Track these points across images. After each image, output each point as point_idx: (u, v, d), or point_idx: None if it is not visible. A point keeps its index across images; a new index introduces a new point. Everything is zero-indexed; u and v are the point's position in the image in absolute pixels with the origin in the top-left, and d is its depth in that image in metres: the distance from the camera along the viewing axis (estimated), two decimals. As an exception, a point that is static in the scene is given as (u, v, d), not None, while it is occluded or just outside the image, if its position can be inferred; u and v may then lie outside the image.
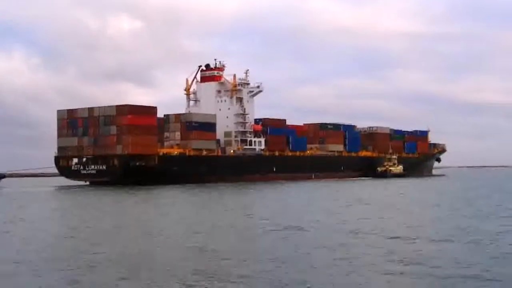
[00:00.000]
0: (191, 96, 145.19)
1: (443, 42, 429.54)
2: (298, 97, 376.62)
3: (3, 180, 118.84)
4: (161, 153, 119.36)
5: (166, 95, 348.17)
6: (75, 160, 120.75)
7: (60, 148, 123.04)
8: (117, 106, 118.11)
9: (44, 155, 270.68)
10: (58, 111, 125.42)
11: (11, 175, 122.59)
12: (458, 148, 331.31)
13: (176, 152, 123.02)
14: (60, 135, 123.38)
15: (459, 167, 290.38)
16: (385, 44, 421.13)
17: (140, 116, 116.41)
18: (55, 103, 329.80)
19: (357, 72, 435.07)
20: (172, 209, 55.36)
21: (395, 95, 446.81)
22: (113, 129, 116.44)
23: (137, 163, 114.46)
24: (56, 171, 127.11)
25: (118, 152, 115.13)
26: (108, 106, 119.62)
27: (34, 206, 63.39)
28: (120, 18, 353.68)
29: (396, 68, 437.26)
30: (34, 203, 68.30)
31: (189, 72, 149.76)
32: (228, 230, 37.02)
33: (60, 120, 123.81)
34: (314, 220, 41.57)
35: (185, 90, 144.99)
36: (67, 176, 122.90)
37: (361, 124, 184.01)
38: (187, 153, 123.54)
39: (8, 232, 38.11)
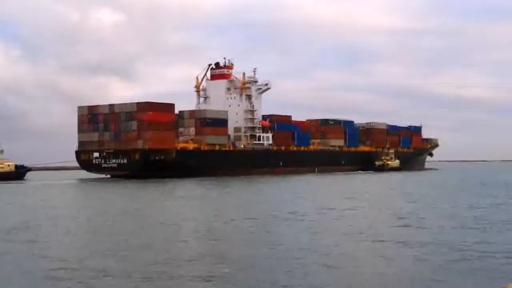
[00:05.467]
0: (201, 93, 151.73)
1: (423, 37, 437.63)
2: (279, 90, 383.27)
3: (28, 173, 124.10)
4: (178, 148, 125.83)
5: (149, 89, 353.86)
6: (96, 154, 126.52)
7: (81, 143, 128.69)
8: (137, 103, 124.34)
9: (28, 148, 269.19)
10: (79, 107, 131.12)
11: (30, 169, 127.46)
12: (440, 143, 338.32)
13: (191, 147, 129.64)
14: (80, 130, 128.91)
15: (439, 161, 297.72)
16: (366, 38, 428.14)
17: (159, 113, 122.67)
18: (35, 96, 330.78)
19: (337, 67, 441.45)
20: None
21: (376, 89, 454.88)
22: (134, 125, 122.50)
23: (157, 157, 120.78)
24: (76, 164, 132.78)
25: (138, 146, 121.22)
26: (129, 103, 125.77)
27: (78, 196, 69.91)
28: (101, 11, 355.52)
29: (377, 63, 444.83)
30: (72, 193, 74.81)
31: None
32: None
33: (80, 115, 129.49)
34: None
35: (195, 87, 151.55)
36: (88, 170, 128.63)
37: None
38: (201, 148, 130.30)
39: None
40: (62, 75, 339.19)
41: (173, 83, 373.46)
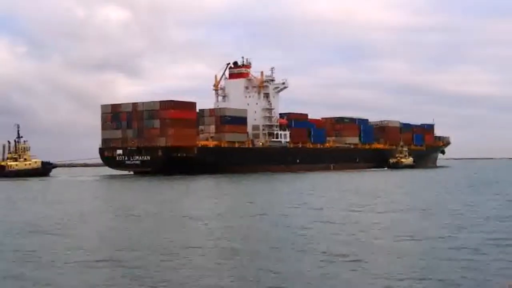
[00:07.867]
0: (220, 91, 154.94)
1: (427, 33, 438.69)
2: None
3: (53, 170, 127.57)
4: (199, 145, 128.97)
5: (155, 85, 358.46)
6: (119, 151, 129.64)
7: (104, 140, 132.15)
8: (160, 101, 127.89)
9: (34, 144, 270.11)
10: (102, 106, 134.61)
11: (56, 165, 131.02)
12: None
13: (212, 144, 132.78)
14: (104, 127, 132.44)
15: (446, 158, 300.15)
16: (369, 35, 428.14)
17: (181, 111, 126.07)
18: (40, 92, 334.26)
19: (341, 63, 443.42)
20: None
21: (379, 86, 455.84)
22: (157, 123, 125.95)
23: (179, 154, 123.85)
24: (100, 161, 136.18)
25: (161, 144, 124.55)
26: (152, 101, 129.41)
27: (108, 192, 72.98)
28: (107, 8, 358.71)
29: (379, 59, 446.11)
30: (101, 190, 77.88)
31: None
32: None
33: (104, 114, 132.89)
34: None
35: (213, 86, 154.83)
36: (112, 166, 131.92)
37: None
38: (221, 145, 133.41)
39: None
40: (67, 72, 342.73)
41: (178, 79, 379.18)
